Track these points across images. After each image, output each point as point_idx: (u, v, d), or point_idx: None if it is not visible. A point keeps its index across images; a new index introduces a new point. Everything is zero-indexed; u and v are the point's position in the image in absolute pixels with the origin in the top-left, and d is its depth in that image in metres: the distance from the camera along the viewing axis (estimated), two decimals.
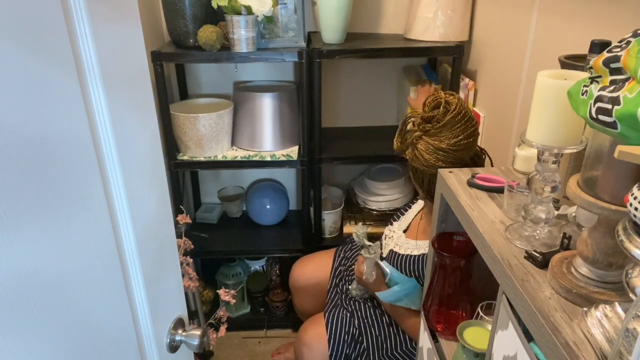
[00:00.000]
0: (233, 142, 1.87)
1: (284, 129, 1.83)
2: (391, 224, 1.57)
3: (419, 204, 1.54)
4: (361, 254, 1.41)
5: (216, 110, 1.75)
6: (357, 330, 1.45)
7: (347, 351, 1.43)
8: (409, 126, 1.22)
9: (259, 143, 1.81)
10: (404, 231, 1.49)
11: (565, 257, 0.70)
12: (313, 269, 1.73)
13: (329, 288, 1.65)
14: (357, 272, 1.44)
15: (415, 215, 1.51)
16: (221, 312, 1.53)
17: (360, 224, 1.46)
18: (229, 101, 1.91)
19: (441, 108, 1.13)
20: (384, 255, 1.47)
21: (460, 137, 1.13)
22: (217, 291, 1.51)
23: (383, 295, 1.35)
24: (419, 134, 1.17)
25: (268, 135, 1.81)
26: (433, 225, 1.10)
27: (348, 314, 1.47)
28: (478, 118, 1.63)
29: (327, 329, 1.44)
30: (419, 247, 1.38)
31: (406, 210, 1.57)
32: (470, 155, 1.19)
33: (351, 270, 1.59)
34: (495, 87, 1.56)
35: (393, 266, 1.41)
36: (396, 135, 1.25)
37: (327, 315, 1.48)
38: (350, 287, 1.53)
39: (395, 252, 1.42)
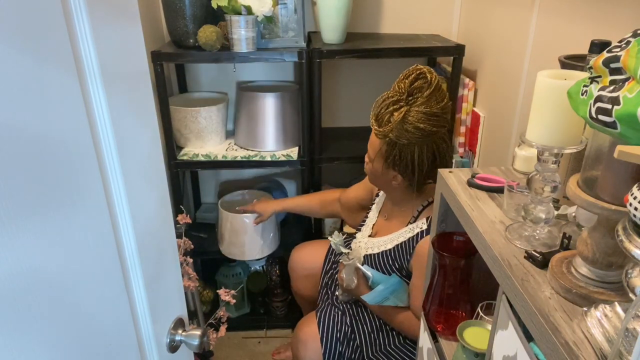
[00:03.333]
0: (236, 142, 1.89)
1: (287, 129, 1.84)
2: (354, 237, 1.59)
3: (375, 208, 1.56)
4: (341, 261, 1.43)
5: (212, 104, 1.80)
6: (350, 328, 1.45)
7: (340, 349, 1.43)
8: (389, 107, 1.23)
9: (261, 143, 1.83)
10: (370, 236, 1.51)
11: (565, 257, 0.70)
12: (311, 254, 1.75)
13: (319, 288, 1.65)
14: (339, 279, 1.46)
15: (377, 219, 1.53)
16: (221, 312, 1.53)
17: (335, 232, 1.48)
18: (224, 95, 1.96)
19: (427, 77, 1.21)
20: (361, 262, 1.48)
21: (445, 100, 1.22)
22: (217, 291, 1.51)
23: (368, 297, 1.37)
24: (406, 108, 1.20)
25: (270, 135, 1.82)
26: (433, 225, 1.10)
27: (340, 312, 1.48)
28: (478, 118, 1.63)
29: (319, 328, 1.45)
30: (392, 239, 1.41)
31: (364, 220, 1.59)
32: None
33: (337, 278, 1.60)
34: (495, 87, 1.56)
35: (373, 267, 1.42)
36: (374, 121, 1.27)
37: (318, 314, 1.49)
38: (337, 293, 1.54)
39: (370, 255, 1.44)
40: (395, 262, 1.38)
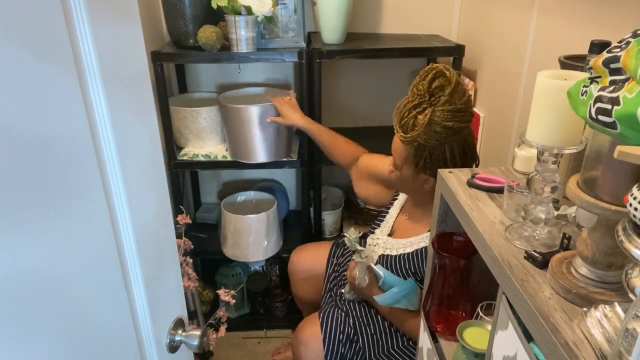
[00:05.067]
0: (230, 154, 1.82)
1: (278, 139, 1.77)
2: (372, 232, 1.56)
3: (397, 204, 1.54)
4: (353, 259, 1.41)
5: (213, 104, 1.79)
6: (352, 330, 1.45)
7: (343, 350, 1.43)
8: (411, 111, 1.20)
9: (253, 155, 1.76)
10: (389, 235, 1.49)
11: (565, 257, 0.70)
12: (311, 257, 1.74)
13: (323, 293, 1.65)
14: (349, 277, 1.43)
15: (397, 216, 1.51)
16: (221, 313, 1.53)
17: (352, 228, 1.45)
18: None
19: (446, 74, 1.17)
20: (374, 263, 1.46)
21: (466, 94, 1.19)
22: (217, 291, 1.51)
23: (381, 298, 1.35)
24: (430, 109, 1.17)
25: (260, 147, 1.75)
26: (433, 225, 1.10)
27: (343, 314, 1.47)
28: (478, 118, 1.63)
29: (321, 329, 1.44)
30: (412, 243, 1.38)
31: (384, 216, 1.56)
32: None
33: (344, 275, 1.59)
34: (495, 87, 1.56)
35: (388, 269, 1.40)
36: (399, 128, 1.23)
37: (321, 314, 1.49)
38: (343, 290, 1.53)
39: (387, 255, 1.42)
40: (411, 266, 1.35)
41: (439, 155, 1.23)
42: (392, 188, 1.56)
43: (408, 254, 1.37)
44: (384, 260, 1.42)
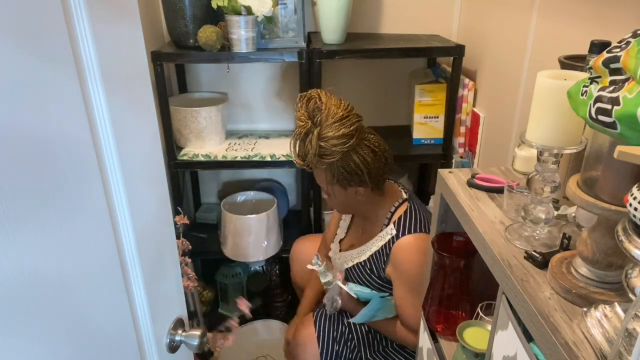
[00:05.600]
0: (225, 252, 1.91)
1: (270, 240, 1.88)
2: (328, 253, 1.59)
3: (343, 224, 1.56)
4: (325, 287, 1.45)
5: (212, 104, 1.80)
6: (347, 329, 1.45)
7: (337, 348, 1.43)
8: (304, 140, 1.24)
9: (248, 256, 1.87)
10: (340, 250, 1.52)
11: (565, 257, 0.70)
12: (312, 247, 1.76)
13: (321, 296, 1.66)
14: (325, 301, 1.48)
15: (348, 234, 1.53)
16: (233, 322, 1.53)
17: (315, 257, 1.47)
18: (224, 95, 1.97)
19: (314, 95, 1.24)
20: (344, 276, 1.48)
21: (341, 100, 1.25)
22: (236, 299, 1.52)
23: (356, 319, 1.39)
24: (317, 130, 1.21)
25: (256, 247, 1.85)
26: (433, 225, 1.10)
27: (336, 313, 1.48)
28: (478, 118, 1.64)
29: (315, 328, 1.45)
30: (364, 250, 1.40)
31: (334, 237, 1.59)
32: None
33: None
34: (495, 87, 1.56)
35: (354, 280, 1.43)
36: (298, 159, 1.27)
37: (315, 314, 1.50)
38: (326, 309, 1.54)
39: (349, 268, 1.45)
40: (372, 272, 1.38)
41: (350, 163, 1.26)
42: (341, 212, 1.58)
43: (364, 261, 1.40)
44: (348, 273, 1.45)
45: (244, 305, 1.50)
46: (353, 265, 1.42)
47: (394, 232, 1.32)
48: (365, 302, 1.41)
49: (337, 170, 1.26)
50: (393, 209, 1.36)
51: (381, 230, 1.36)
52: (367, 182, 1.29)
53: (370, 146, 1.27)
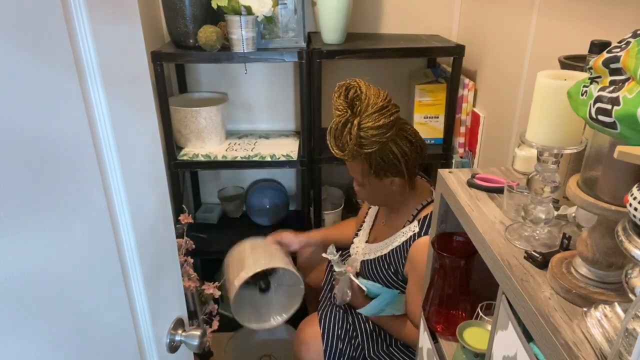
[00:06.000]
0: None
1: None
2: (352, 242, 1.59)
3: (372, 212, 1.56)
4: (336, 277, 1.45)
5: (212, 104, 1.80)
6: (351, 326, 1.46)
7: (341, 346, 1.44)
8: (342, 130, 1.23)
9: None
10: (367, 241, 1.51)
11: (565, 257, 0.70)
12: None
13: (322, 284, 1.66)
14: (335, 293, 1.48)
15: (374, 223, 1.53)
16: (210, 307, 1.54)
17: (331, 246, 1.47)
18: (224, 95, 1.96)
19: (354, 85, 1.24)
20: (359, 270, 1.48)
21: (380, 90, 1.24)
22: (202, 287, 1.51)
23: (364, 310, 1.38)
24: (357, 120, 1.21)
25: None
26: (433, 225, 1.10)
27: (341, 311, 1.49)
28: (478, 118, 1.63)
29: (320, 326, 1.45)
30: (387, 245, 1.40)
31: (362, 224, 1.59)
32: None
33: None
34: (495, 87, 1.56)
35: (369, 274, 1.42)
36: (335, 149, 1.26)
37: (320, 313, 1.50)
38: (334, 301, 1.54)
39: (367, 261, 1.44)
40: (390, 266, 1.38)
41: (389, 154, 1.26)
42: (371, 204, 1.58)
43: (385, 254, 1.39)
44: (365, 265, 1.44)
45: (210, 288, 1.49)
46: (374, 259, 1.42)
47: (417, 229, 1.32)
48: (373, 298, 1.41)
49: (374, 160, 1.27)
50: (420, 206, 1.37)
51: (404, 226, 1.37)
52: (404, 172, 1.29)
53: (407, 137, 1.28)
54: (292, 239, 1.67)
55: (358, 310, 1.41)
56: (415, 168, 1.33)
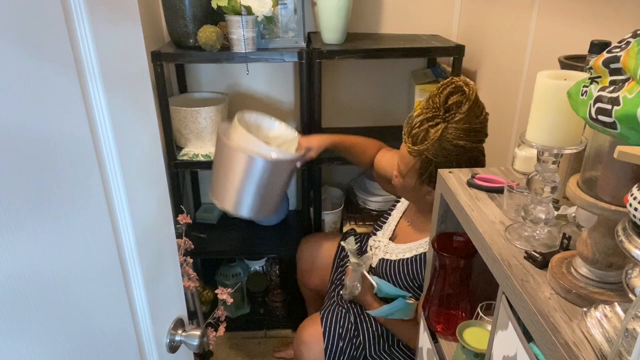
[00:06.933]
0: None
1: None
2: (374, 234, 1.56)
3: (400, 207, 1.53)
4: (348, 266, 1.43)
5: (212, 104, 1.80)
6: (353, 326, 1.45)
7: (342, 345, 1.43)
8: (423, 123, 1.16)
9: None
10: (390, 238, 1.49)
11: (565, 257, 0.70)
12: (320, 246, 1.76)
13: (327, 286, 1.66)
14: (345, 283, 1.46)
15: (400, 220, 1.51)
16: (219, 312, 1.53)
17: (351, 237, 1.45)
18: (224, 95, 1.96)
19: (465, 91, 1.13)
20: (374, 265, 1.47)
21: (483, 113, 1.15)
22: (215, 291, 1.51)
23: (374, 313, 1.38)
24: (444, 125, 1.13)
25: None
26: (433, 225, 1.10)
27: (343, 311, 1.49)
28: None
29: (321, 324, 1.45)
30: (411, 249, 1.38)
31: (387, 218, 1.56)
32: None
33: (343, 279, 1.60)
34: (495, 87, 1.56)
35: (386, 273, 1.41)
36: (408, 138, 1.20)
37: (323, 312, 1.50)
38: (342, 292, 1.54)
39: (386, 260, 1.42)
40: (410, 271, 1.36)
41: (434, 169, 1.20)
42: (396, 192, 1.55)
43: (407, 259, 1.37)
44: (383, 264, 1.43)
45: (224, 294, 1.49)
46: (393, 260, 1.39)
47: None
48: (381, 298, 1.40)
49: (429, 167, 1.21)
50: None
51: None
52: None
53: (471, 163, 1.19)
54: (313, 143, 1.52)
55: (367, 312, 1.40)
56: None
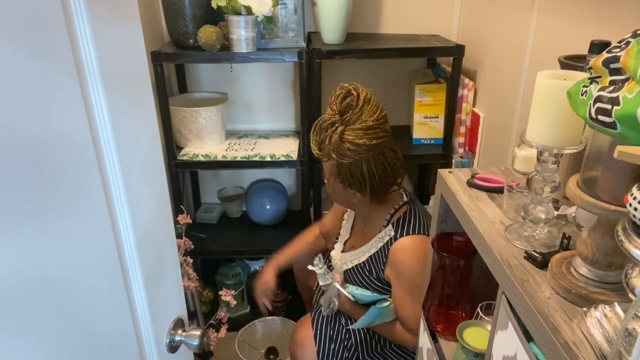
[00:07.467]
0: None
1: None
2: (330, 254, 1.58)
3: (347, 222, 1.55)
4: (322, 289, 1.45)
5: (212, 104, 1.80)
6: (344, 328, 1.46)
7: (334, 347, 1.44)
8: (327, 129, 1.22)
9: None
10: (343, 251, 1.51)
11: (565, 257, 0.70)
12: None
13: (314, 288, 1.66)
14: (322, 303, 1.48)
15: (352, 232, 1.52)
16: (222, 313, 1.53)
17: (317, 258, 1.47)
18: (224, 95, 1.96)
19: (354, 94, 1.21)
20: (342, 278, 1.48)
21: (378, 111, 1.21)
22: (219, 292, 1.52)
23: (356, 325, 1.39)
24: (342, 128, 1.19)
25: None
26: (433, 225, 1.10)
27: (334, 313, 1.48)
28: (478, 118, 1.63)
29: (313, 327, 1.45)
30: (364, 251, 1.40)
31: (338, 237, 1.58)
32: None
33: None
34: (495, 87, 1.56)
35: (355, 281, 1.43)
36: (314, 144, 1.27)
37: (313, 314, 1.51)
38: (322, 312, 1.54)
39: (348, 270, 1.44)
40: (371, 273, 1.38)
41: (357, 171, 1.25)
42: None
43: (363, 262, 1.39)
44: (348, 274, 1.45)
45: (227, 295, 1.49)
46: (353, 267, 1.42)
47: (393, 233, 1.32)
48: (363, 305, 1.41)
49: (343, 170, 1.26)
50: (393, 210, 1.36)
51: (380, 231, 1.36)
52: (367, 192, 1.29)
53: (384, 162, 1.25)
54: (266, 284, 1.65)
55: (350, 327, 1.42)
56: (382, 192, 1.31)
